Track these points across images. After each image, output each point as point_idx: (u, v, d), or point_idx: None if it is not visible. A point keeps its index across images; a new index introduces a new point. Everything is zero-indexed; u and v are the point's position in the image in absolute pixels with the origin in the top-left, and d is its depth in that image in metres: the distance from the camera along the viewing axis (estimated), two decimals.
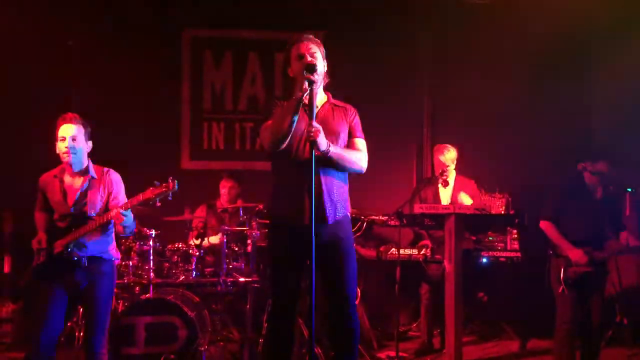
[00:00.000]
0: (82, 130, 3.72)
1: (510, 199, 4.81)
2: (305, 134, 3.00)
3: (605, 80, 6.07)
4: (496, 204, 4.76)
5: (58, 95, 5.71)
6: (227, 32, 6.51)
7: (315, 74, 3.04)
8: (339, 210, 3.21)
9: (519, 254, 5.11)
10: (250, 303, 4.87)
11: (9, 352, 5.12)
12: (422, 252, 5.06)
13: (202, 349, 4.51)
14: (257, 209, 5.01)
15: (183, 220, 5.43)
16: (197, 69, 6.47)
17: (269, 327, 3.39)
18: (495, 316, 5.84)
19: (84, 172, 3.77)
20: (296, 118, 3.06)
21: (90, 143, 3.78)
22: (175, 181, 3.58)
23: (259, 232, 4.97)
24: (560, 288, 4.32)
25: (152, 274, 4.77)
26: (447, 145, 5.30)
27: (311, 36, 3.26)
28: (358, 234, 5.02)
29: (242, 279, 4.94)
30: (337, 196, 3.21)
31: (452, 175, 5.30)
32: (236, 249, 5.09)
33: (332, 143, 3.13)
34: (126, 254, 4.82)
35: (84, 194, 3.72)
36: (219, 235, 5.12)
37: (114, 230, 3.82)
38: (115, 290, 4.02)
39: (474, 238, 5.21)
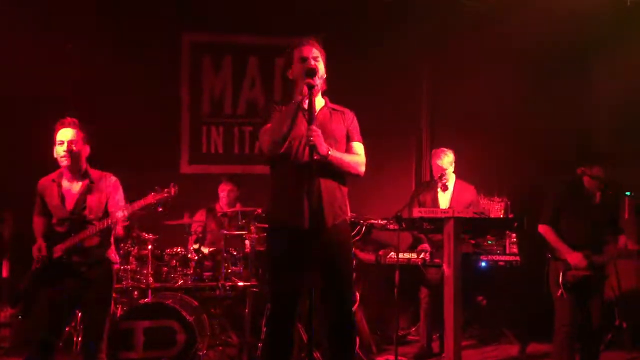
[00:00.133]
0: (80, 135, 3.73)
1: (509, 202, 4.81)
2: (304, 138, 3.01)
3: (606, 84, 6.08)
4: (495, 207, 4.76)
5: (57, 99, 5.70)
6: (226, 37, 6.52)
7: (315, 78, 3.06)
8: (337, 214, 3.21)
9: (517, 258, 5.11)
10: (249, 307, 4.86)
11: (7, 357, 5.11)
12: (421, 256, 5.07)
13: (201, 353, 4.51)
14: (255, 213, 5.01)
15: (182, 225, 5.42)
16: (196, 74, 6.48)
17: (268, 331, 3.38)
18: (494, 320, 5.83)
19: (83, 176, 3.77)
20: (295, 122, 3.07)
21: (88, 147, 3.78)
22: (176, 187, 3.59)
23: (257, 236, 4.97)
24: (559, 292, 4.32)
25: (150, 279, 4.77)
26: (445, 149, 5.30)
27: (314, 40, 3.27)
28: (357, 238, 5.01)
29: (240, 283, 4.93)
30: (336, 200, 3.21)
31: (451, 180, 5.30)
32: (235, 253, 5.09)
33: (331, 147, 3.14)
34: (125, 258, 4.81)
35: (83, 198, 3.72)
36: (210, 248, 5.14)
37: (113, 234, 3.82)
38: (113, 294, 4.02)
39: (473, 242, 5.22)
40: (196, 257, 5.02)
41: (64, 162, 3.70)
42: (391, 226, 4.89)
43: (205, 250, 5.21)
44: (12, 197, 5.28)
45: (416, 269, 5.11)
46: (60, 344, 4.34)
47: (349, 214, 3.35)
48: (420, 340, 5.38)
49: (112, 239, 3.85)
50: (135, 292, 4.85)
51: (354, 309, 3.48)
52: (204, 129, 6.49)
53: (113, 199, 3.76)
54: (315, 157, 2.98)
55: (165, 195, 3.58)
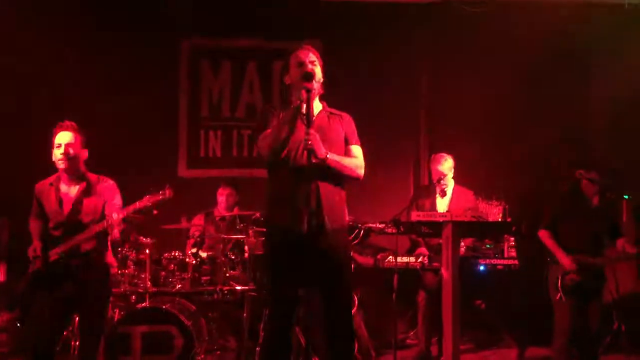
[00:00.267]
0: (78, 138, 3.73)
1: (507, 206, 4.80)
2: (302, 142, 3.02)
3: (604, 87, 6.09)
4: (493, 211, 4.75)
5: (55, 102, 5.70)
6: (225, 41, 6.52)
7: (313, 82, 3.08)
8: (336, 219, 3.21)
9: (516, 262, 5.10)
10: (247, 311, 4.86)
11: None
12: (419, 259, 5.06)
13: (199, 358, 4.49)
14: (254, 217, 5.00)
15: (180, 229, 5.41)
16: (195, 78, 6.48)
17: (266, 335, 3.38)
18: (493, 324, 5.83)
19: (80, 179, 3.76)
20: (293, 127, 3.08)
21: (86, 151, 3.78)
22: (171, 189, 3.59)
23: (255, 240, 4.96)
24: (558, 295, 4.32)
25: (148, 283, 4.76)
26: (444, 154, 5.30)
27: (310, 45, 3.30)
28: (355, 242, 5.01)
29: (239, 288, 4.92)
30: (335, 204, 3.21)
31: (450, 185, 5.30)
32: (233, 257, 5.08)
33: (329, 150, 3.14)
34: (123, 262, 4.80)
35: (80, 201, 3.72)
36: (208, 252, 5.15)
37: (109, 237, 3.81)
38: (111, 298, 4.01)
39: (471, 246, 5.21)
40: (194, 262, 5.01)
41: (61, 165, 3.70)
42: (389, 230, 4.89)
43: (204, 254, 5.20)
44: (9, 201, 5.26)
45: (414, 273, 5.10)
46: (58, 348, 4.34)
47: (348, 218, 3.35)
48: (419, 344, 5.37)
49: (109, 243, 3.84)
50: (133, 297, 4.84)
51: (352, 312, 3.47)
52: (203, 132, 6.48)
53: (110, 202, 3.75)
54: (314, 161, 2.98)
55: (160, 197, 3.58)
